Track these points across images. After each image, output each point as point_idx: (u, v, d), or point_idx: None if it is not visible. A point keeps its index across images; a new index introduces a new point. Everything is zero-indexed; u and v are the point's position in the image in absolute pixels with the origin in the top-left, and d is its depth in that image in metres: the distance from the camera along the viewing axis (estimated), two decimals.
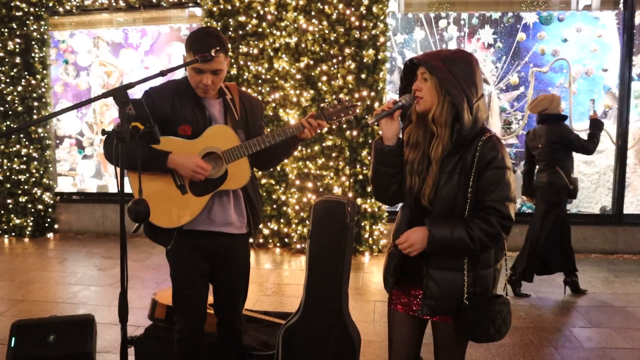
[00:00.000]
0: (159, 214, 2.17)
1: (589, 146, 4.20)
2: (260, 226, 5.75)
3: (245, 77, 5.73)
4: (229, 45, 2.28)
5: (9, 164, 6.47)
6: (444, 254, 1.80)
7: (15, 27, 6.32)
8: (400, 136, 1.93)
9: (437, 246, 1.76)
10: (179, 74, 6.30)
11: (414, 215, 1.89)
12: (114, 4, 6.24)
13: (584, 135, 4.30)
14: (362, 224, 5.61)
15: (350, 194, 5.54)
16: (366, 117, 5.44)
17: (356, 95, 5.44)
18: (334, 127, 5.46)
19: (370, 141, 5.49)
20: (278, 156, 2.45)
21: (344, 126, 5.51)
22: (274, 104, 5.67)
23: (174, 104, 2.21)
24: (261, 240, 5.87)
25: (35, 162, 6.49)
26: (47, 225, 6.62)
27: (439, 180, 1.80)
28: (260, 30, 5.67)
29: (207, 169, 2.14)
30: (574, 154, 4.29)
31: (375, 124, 1.86)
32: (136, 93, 2.41)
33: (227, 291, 2.42)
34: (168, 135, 2.18)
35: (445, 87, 1.74)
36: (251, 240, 2.47)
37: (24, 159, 6.48)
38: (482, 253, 1.83)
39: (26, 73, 6.39)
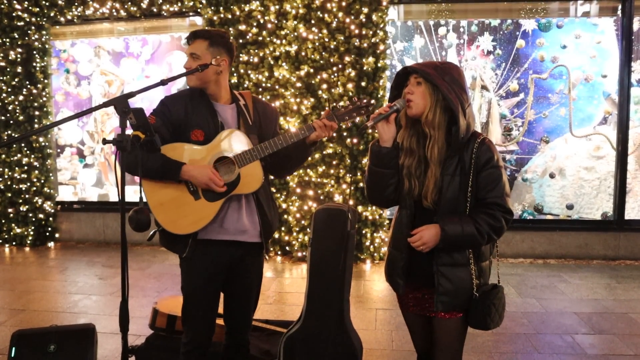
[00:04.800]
0: (173, 221, 2.18)
1: None
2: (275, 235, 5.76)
3: (245, 85, 5.75)
4: (224, 42, 2.27)
5: (10, 173, 6.48)
6: (453, 249, 1.91)
7: (16, 36, 6.35)
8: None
9: (449, 242, 1.87)
10: (180, 83, 6.32)
11: (416, 216, 1.99)
12: (114, 14, 6.27)
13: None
14: (363, 232, 5.60)
15: (351, 202, 5.54)
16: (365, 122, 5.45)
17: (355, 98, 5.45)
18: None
19: None
20: (292, 162, 2.43)
21: (344, 134, 5.52)
22: None
23: (187, 109, 2.24)
24: None
25: (36, 171, 6.50)
26: (47, 234, 6.62)
27: (443, 183, 1.91)
28: (260, 38, 5.70)
29: (220, 181, 2.15)
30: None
31: (373, 127, 1.98)
32: (137, 102, 2.43)
33: (239, 301, 2.41)
34: (181, 140, 2.21)
35: (442, 92, 1.86)
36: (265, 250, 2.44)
37: (25, 168, 6.49)
38: (486, 246, 1.98)
39: (27, 82, 6.41)
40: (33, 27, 6.37)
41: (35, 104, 6.43)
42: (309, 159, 5.49)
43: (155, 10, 6.16)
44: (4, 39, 6.36)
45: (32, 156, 6.49)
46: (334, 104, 2.35)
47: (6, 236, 6.56)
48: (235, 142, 2.22)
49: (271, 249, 5.84)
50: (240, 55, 5.73)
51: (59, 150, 6.91)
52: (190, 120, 2.22)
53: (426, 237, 1.88)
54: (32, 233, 6.51)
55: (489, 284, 2.02)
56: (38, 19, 6.37)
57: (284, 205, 5.75)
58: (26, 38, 6.36)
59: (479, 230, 1.87)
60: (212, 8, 5.81)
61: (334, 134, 5.54)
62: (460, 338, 2.03)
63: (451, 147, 1.91)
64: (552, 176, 5.91)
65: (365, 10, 5.43)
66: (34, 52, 6.40)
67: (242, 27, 5.71)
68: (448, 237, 1.86)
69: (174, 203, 2.18)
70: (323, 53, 5.51)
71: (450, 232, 1.86)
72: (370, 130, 5.47)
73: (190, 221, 2.19)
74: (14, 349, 2.65)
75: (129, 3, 6.15)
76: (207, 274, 2.28)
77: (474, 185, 1.91)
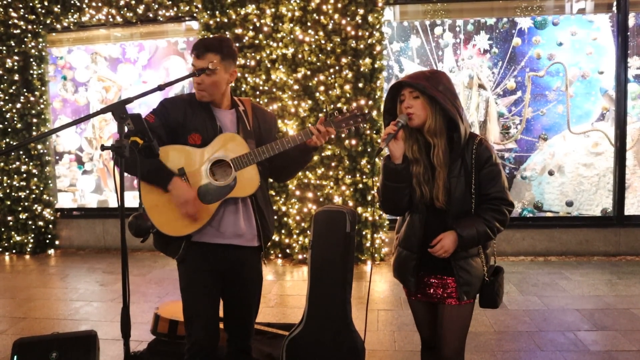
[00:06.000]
0: (168, 222, 2.17)
1: None
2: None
3: (242, 89, 5.75)
4: (232, 52, 2.29)
5: (8, 181, 6.47)
6: (469, 248, 2.08)
7: (13, 44, 6.35)
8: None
9: (466, 244, 2.04)
10: (177, 88, 6.32)
11: (428, 218, 2.13)
12: (111, 20, 6.27)
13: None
14: (364, 233, 5.60)
15: (350, 203, 5.54)
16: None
17: (354, 105, 5.46)
18: (342, 135, 5.45)
19: (369, 150, 5.51)
20: (292, 166, 2.44)
21: (343, 135, 5.52)
22: None
23: (186, 113, 2.24)
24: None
25: (35, 179, 6.49)
26: (47, 241, 6.61)
27: (450, 185, 2.06)
28: (256, 42, 5.70)
29: (194, 212, 2.16)
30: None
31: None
32: (134, 108, 2.43)
33: (238, 306, 2.39)
34: (179, 143, 2.22)
35: (440, 104, 1.99)
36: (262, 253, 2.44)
37: (24, 175, 6.48)
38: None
39: (25, 90, 6.41)
40: (29, 35, 6.37)
41: (33, 112, 6.43)
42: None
43: (151, 15, 6.16)
44: (1, 47, 6.36)
45: (31, 164, 6.48)
46: (329, 112, 2.36)
47: (6, 244, 6.56)
48: (233, 146, 2.22)
49: (272, 251, 5.84)
50: (237, 58, 5.73)
51: (57, 157, 6.91)
52: (188, 124, 2.23)
53: (447, 245, 2.03)
54: (32, 240, 6.50)
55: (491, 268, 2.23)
56: (34, 26, 6.37)
57: (283, 208, 5.75)
58: (23, 46, 6.36)
59: (490, 227, 2.04)
60: (208, 12, 5.82)
61: (333, 136, 5.53)
62: (467, 323, 2.18)
63: (454, 152, 2.05)
64: (551, 173, 5.92)
65: (361, 11, 5.44)
66: (31, 60, 6.40)
67: (239, 31, 5.71)
68: (465, 240, 2.02)
69: (169, 205, 2.18)
70: (320, 55, 5.52)
71: (466, 236, 2.02)
72: (373, 135, 5.49)
73: (186, 223, 2.18)
74: (15, 357, 2.65)
75: (125, 9, 6.15)
76: (203, 276, 2.27)
77: (477, 182, 2.07)
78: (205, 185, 2.20)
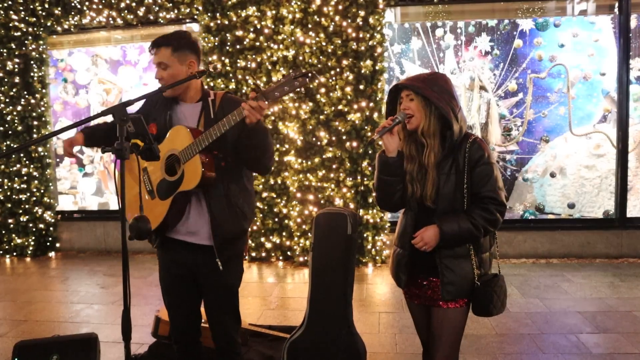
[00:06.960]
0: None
1: None
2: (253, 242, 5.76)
3: (244, 90, 5.75)
4: (186, 42, 2.25)
5: (9, 184, 6.47)
6: (453, 245, 2.06)
7: (14, 47, 6.36)
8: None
9: (448, 239, 2.03)
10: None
11: (419, 216, 2.14)
12: (111, 22, 6.27)
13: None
14: (365, 235, 5.58)
15: (351, 205, 5.53)
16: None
17: (355, 106, 5.46)
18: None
19: (370, 152, 5.50)
20: (250, 152, 2.23)
21: (344, 137, 5.51)
22: (273, 117, 5.68)
23: (156, 104, 2.32)
24: (264, 254, 5.83)
25: (36, 181, 6.49)
26: (48, 244, 6.60)
27: (439, 182, 2.07)
28: (257, 44, 5.70)
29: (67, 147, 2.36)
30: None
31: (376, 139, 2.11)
32: (135, 110, 2.43)
33: (209, 307, 2.39)
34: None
35: (433, 102, 2.02)
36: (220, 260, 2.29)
37: (25, 178, 6.48)
38: (484, 238, 2.13)
39: (25, 92, 6.41)
40: (30, 37, 6.37)
41: (34, 114, 6.43)
42: (309, 163, 5.52)
43: (152, 17, 6.17)
44: (1, 50, 6.37)
45: (32, 166, 6.48)
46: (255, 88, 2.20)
47: (7, 247, 6.55)
48: (179, 138, 2.19)
49: (272, 254, 5.82)
50: (238, 60, 5.73)
51: (58, 160, 6.90)
52: (152, 113, 2.30)
53: (427, 237, 2.03)
54: (32, 243, 6.50)
55: (489, 274, 2.17)
56: (35, 28, 6.37)
57: (284, 210, 5.74)
58: (23, 48, 6.37)
59: (475, 225, 2.01)
60: (209, 14, 5.82)
61: (334, 138, 5.53)
62: (460, 326, 2.14)
63: (445, 150, 2.07)
64: (552, 175, 5.90)
65: (362, 13, 5.43)
66: (32, 62, 6.40)
67: (239, 33, 5.71)
68: (446, 235, 2.02)
69: (137, 203, 2.22)
70: (320, 57, 5.51)
71: (447, 230, 2.01)
72: (376, 138, 5.49)
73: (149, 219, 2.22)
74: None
75: (126, 11, 6.16)
76: (169, 270, 2.35)
77: (469, 182, 2.06)
78: (161, 181, 2.24)
